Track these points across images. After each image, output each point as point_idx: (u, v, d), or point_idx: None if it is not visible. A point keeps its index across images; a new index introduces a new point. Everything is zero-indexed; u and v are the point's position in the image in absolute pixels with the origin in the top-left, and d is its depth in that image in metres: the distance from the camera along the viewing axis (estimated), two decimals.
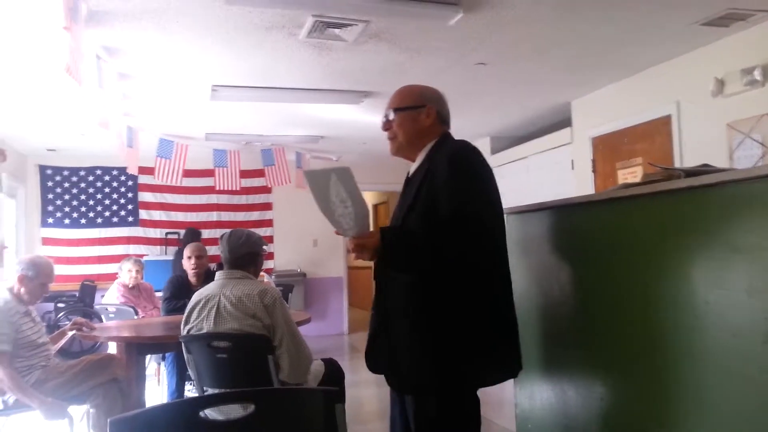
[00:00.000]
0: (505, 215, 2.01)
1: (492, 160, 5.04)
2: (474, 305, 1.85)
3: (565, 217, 2.25)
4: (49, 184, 7.68)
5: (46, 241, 7.59)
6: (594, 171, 5.40)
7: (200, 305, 2.70)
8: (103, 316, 4.71)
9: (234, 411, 1.41)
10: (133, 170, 5.94)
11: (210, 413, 1.30)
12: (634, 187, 1.95)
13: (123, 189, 7.96)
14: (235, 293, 2.65)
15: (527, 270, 2.40)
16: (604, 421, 2.00)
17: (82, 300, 6.87)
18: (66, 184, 7.75)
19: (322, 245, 8.81)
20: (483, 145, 6.81)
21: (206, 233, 7.89)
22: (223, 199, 8.26)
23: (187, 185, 7.58)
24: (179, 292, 4.20)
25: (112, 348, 4.08)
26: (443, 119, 2.09)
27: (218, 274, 2.81)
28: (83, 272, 7.55)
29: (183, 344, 2.72)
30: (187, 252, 4.36)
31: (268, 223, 8.61)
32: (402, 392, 1.98)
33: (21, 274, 3.21)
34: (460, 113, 5.27)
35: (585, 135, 5.51)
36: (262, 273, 4.36)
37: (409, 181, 2.09)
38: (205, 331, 2.65)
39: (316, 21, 3.46)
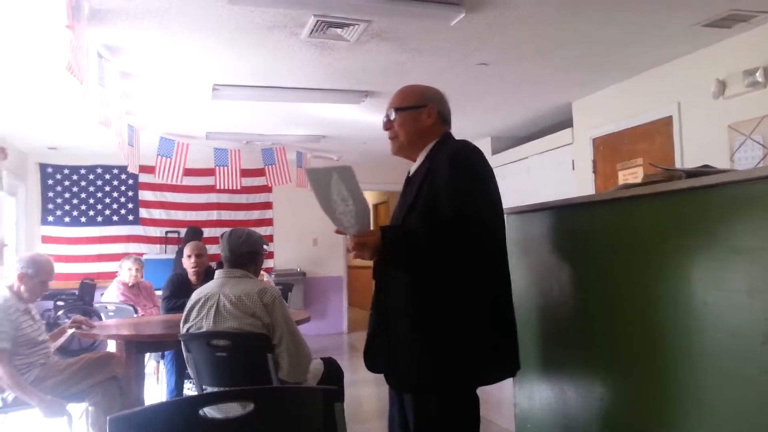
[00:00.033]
0: (505, 215, 2.01)
1: (493, 161, 5.02)
2: (476, 305, 1.85)
3: (565, 218, 2.25)
4: (50, 182, 7.69)
5: (46, 239, 7.60)
6: (595, 171, 5.40)
7: (200, 304, 2.70)
8: (102, 315, 4.71)
9: (233, 409, 1.41)
10: (133, 169, 5.93)
11: (209, 411, 1.30)
12: (635, 187, 1.95)
13: (123, 187, 7.97)
14: (234, 292, 2.65)
15: (527, 270, 2.40)
16: (604, 421, 2.00)
17: (82, 298, 6.86)
18: (66, 183, 7.76)
19: (322, 244, 8.81)
20: (484, 145, 6.82)
21: (206, 232, 7.88)
22: (224, 198, 8.26)
23: (187, 184, 7.58)
24: (179, 291, 4.20)
25: (112, 346, 4.08)
26: (444, 119, 2.09)
27: (218, 273, 2.81)
28: (83, 270, 7.54)
29: (182, 343, 2.72)
30: (186, 251, 4.36)
31: (268, 222, 8.61)
32: (402, 391, 1.98)
33: (21, 272, 3.21)
34: (461, 113, 5.27)
35: (586, 135, 5.51)
36: (261, 272, 4.36)
37: (409, 180, 2.09)
38: (204, 329, 2.65)
39: (318, 21, 3.46)
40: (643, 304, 1.83)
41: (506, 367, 1.95)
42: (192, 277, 4.30)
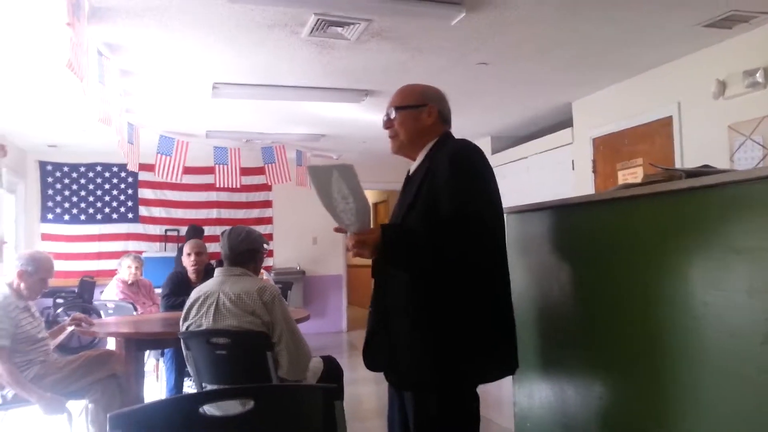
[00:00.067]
0: (505, 215, 2.01)
1: (493, 160, 5.03)
2: (476, 304, 1.85)
3: (565, 217, 2.25)
4: (49, 179, 7.68)
5: (46, 237, 7.59)
6: (594, 171, 5.40)
7: (199, 302, 2.70)
8: (102, 312, 4.71)
9: (233, 407, 1.41)
10: (133, 167, 5.93)
11: (209, 409, 1.30)
12: (635, 187, 1.95)
13: (123, 185, 7.97)
14: (234, 290, 2.65)
15: (527, 270, 2.40)
16: (603, 421, 2.00)
17: (81, 296, 6.85)
18: (66, 180, 7.75)
19: (322, 243, 8.81)
20: (484, 145, 6.79)
21: (206, 230, 7.88)
22: (223, 196, 8.26)
23: (187, 182, 7.58)
24: (179, 289, 4.20)
25: (111, 344, 4.08)
26: (444, 118, 2.09)
27: (217, 271, 2.81)
28: (82, 268, 7.54)
29: (182, 340, 2.72)
30: (186, 249, 4.36)
31: (268, 220, 8.61)
32: (402, 389, 1.98)
33: (20, 269, 3.21)
34: (461, 113, 5.27)
35: (586, 135, 5.51)
36: (261, 271, 4.36)
37: (409, 179, 2.09)
38: (204, 327, 2.65)
39: (318, 19, 3.46)
40: (643, 304, 1.83)
41: (505, 365, 1.95)
42: (192, 275, 4.30)
